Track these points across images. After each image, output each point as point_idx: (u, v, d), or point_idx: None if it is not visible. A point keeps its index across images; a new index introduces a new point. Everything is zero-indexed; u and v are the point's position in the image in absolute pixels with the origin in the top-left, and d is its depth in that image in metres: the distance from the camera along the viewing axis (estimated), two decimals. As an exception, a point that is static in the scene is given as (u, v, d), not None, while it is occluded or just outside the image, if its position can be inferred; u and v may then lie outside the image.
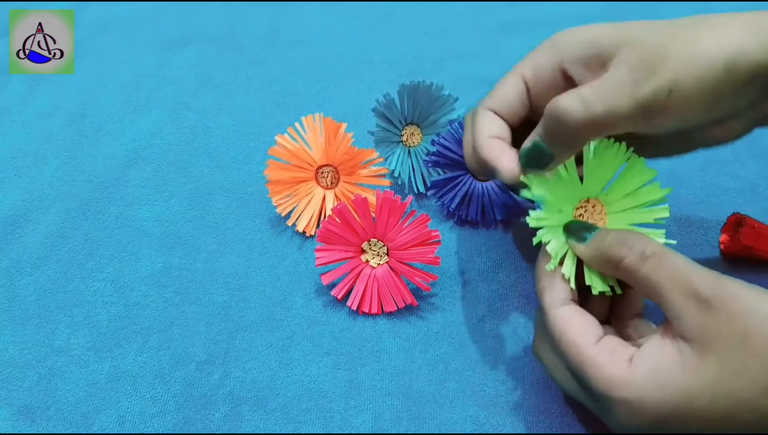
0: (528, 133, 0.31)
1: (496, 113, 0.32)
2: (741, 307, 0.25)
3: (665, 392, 0.25)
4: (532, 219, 0.30)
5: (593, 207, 0.32)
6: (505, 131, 0.32)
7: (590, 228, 0.30)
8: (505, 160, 0.31)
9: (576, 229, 0.30)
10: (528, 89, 0.32)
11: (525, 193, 0.31)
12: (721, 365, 0.24)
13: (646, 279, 0.27)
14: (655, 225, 0.32)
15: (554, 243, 0.31)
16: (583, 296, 0.31)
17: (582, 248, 0.30)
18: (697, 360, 0.25)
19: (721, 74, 0.26)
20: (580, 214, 0.32)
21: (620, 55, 0.27)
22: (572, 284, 0.30)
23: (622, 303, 0.32)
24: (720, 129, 0.30)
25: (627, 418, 0.26)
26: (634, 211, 0.32)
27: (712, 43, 0.26)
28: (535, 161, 0.29)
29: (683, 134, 0.30)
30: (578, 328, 0.28)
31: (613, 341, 0.28)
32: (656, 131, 0.28)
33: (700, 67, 0.26)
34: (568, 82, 0.30)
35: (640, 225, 0.32)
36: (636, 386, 0.26)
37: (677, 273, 0.26)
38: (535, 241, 0.31)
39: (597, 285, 0.30)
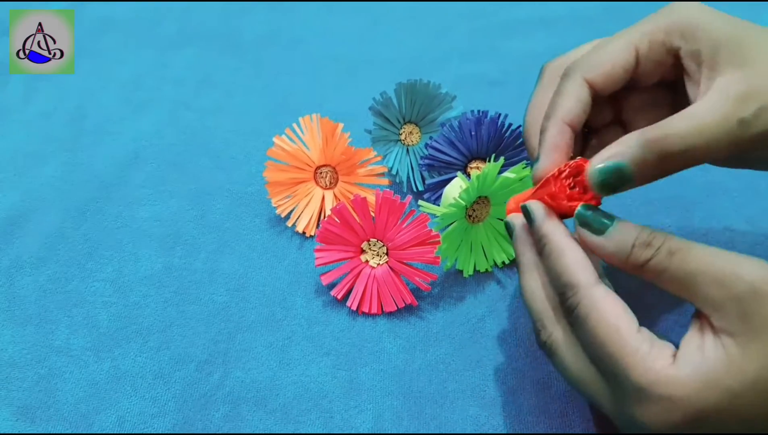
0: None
1: (589, 83, 0.30)
2: None
3: (710, 392, 0.23)
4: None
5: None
6: (585, 113, 0.30)
7: (609, 217, 0.27)
8: (549, 159, 0.29)
9: (590, 220, 0.27)
10: (638, 64, 0.29)
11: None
12: (765, 356, 0.23)
13: (675, 275, 0.25)
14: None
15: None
16: None
17: (600, 241, 0.27)
18: (742, 356, 0.23)
19: None
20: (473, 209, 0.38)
21: (728, 75, 0.26)
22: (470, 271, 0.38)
23: None
24: None
25: (662, 416, 0.24)
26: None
27: None
28: (613, 186, 0.27)
29: None
30: (620, 314, 0.25)
31: (648, 332, 0.26)
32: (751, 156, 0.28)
33: None
34: (675, 65, 0.29)
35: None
36: (682, 385, 0.24)
37: (709, 264, 0.24)
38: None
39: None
